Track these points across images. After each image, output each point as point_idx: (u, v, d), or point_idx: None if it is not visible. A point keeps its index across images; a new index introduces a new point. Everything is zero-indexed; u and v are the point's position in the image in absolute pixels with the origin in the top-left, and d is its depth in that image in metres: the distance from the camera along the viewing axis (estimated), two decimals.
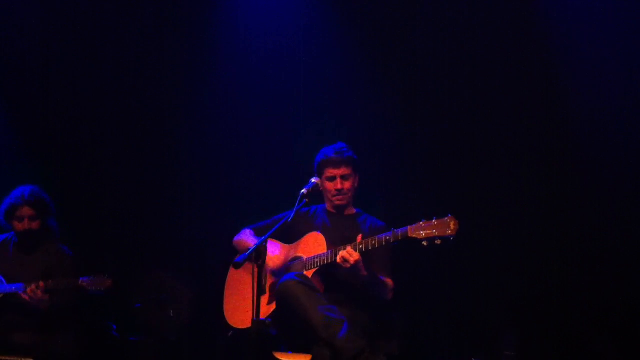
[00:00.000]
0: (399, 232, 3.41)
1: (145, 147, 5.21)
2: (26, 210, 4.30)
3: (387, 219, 3.88)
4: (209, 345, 4.56)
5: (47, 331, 4.19)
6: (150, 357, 4.41)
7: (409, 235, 3.37)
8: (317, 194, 3.72)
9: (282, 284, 3.43)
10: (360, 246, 3.48)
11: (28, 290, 4.10)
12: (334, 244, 3.63)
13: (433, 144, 4.70)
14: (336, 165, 3.84)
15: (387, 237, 3.44)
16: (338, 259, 3.45)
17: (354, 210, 3.98)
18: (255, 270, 3.18)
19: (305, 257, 3.70)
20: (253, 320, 3.10)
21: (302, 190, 3.54)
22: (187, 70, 5.19)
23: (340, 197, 3.86)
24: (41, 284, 4.10)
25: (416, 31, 4.76)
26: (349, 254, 3.43)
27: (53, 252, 4.36)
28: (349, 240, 3.59)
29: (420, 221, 3.36)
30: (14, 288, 4.18)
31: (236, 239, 3.99)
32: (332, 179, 3.85)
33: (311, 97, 4.91)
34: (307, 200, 3.53)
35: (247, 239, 3.92)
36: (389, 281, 3.68)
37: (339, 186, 3.84)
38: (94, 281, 4.11)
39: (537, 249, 4.48)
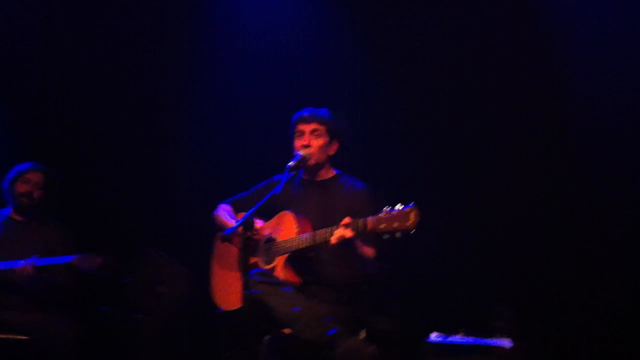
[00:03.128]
0: (360, 223, 3.14)
1: (138, 124, 5.18)
2: (35, 176, 4.29)
3: None
4: (205, 323, 4.56)
5: (45, 311, 4.18)
6: (146, 334, 4.41)
7: (368, 227, 3.12)
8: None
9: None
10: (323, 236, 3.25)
11: (17, 269, 4.09)
12: (309, 217, 3.50)
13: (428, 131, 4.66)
14: (307, 120, 3.61)
15: (347, 230, 3.16)
16: (333, 240, 3.20)
17: (332, 173, 3.71)
18: (241, 244, 3.13)
19: (278, 239, 3.55)
20: (244, 293, 3.08)
21: (290, 163, 3.46)
22: (180, 50, 5.18)
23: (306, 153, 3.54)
24: (30, 263, 4.07)
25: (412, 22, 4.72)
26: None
27: (48, 230, 4.34)
28: (324, 211, 3.47)
29: (381, 212, 3.10)
30: (4, 266, 4.15)
31: (215, 214, 3.84)
32: (301, 134, 3.62)
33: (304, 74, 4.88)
34: (294, 173, 3.48)
35: (223, 216, 3.77)
36: (370, 250, 3.44)
37: (305, 142, 3.58)
38: (85, 259, 4.07)
39: (534, 224, 4.45)
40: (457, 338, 3.49)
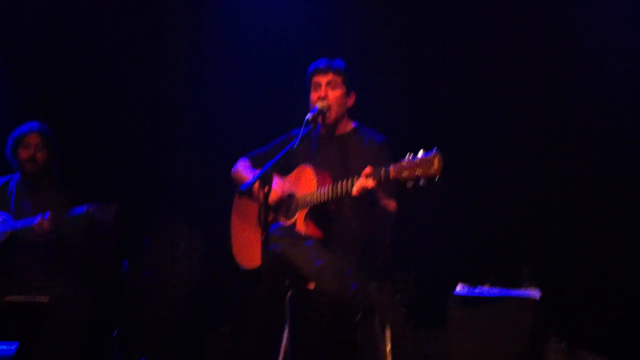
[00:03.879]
0: (382, 171, 3.02)
1: (149, 80, 5.09)
2: (35, 138, 4.23)
3: None
4: (222, 282, 4.54)
5: (62, 273, 4.14)
6: (162, 292, 4.39)
7: (391, 176, 2.99)
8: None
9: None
10: (343, 187, 3.15)
11: (35, 224, 4.04)
12: (328, 171, 3.39)
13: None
14: (322, 72, 3.50)
15: (368, 180, 3.06)
16: (354, 192, 3.10)
17: (351, 126, 3.61)
18: (262, 198, 2.99)
19: (298, 193, 3.45)
20: (263, 251, 2.99)
21: (307, 116, 3.34)
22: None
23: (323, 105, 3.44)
24: (47, 215, 4.01)
25: None
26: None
27: (57, 192, 4.28)
28: (343, 165, 3.38)
29: (403, 159, 2.97)
30: (21, 224, 4.11)
31: (233, 170, 3.76)
32: (318, 86, 3.51)
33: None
34: (311, 126, 3.36)
35: (243, 170, 3.69)
36: (392, 204, 3.35)
37: (322, 94, 3.47)
38: (99, 207, 4.01)
39: (562, 173, 4.38)
40: (484, 289, 3.41)
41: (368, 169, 3.11)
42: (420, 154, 2.96)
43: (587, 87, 4.38)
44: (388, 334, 3.36)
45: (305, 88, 3.60)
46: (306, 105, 3.54)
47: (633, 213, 4.20)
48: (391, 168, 3.01)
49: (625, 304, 4.15)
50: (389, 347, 3.36)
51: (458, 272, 3.94)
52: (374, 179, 3.07)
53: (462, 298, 3.35)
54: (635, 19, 4.24)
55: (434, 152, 2.92)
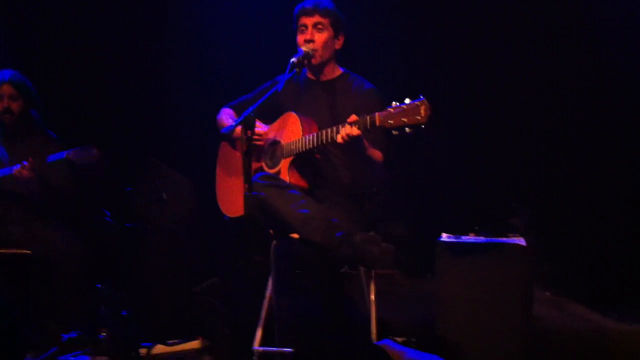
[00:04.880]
0: (367, 118, 2.99)
1: (133, 29, 4.98)
2: (6, 89, 4.13)
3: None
4: (209, 230, 4.50)
5: (47, 224, 4.10)
6: (148, 243, 4.35)
7: (377, 123, 2.96)
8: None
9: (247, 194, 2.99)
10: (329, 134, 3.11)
11: (15, 171, 3.97)
12: (315, 118, 3.35)
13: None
14: (309, 13, 3.40)
15: (354, 128, 3.01)
16: (339, 139, 3.06)
17: (339, 71, 3.53)
18: (245, 141, 2.90)
19: (283, 141, 3.39)
20: (245, 196, 2.93)
21: (292, 59, 3.26)
22: None
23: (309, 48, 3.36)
24: (28, 161, 3.95)
25: None
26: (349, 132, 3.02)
27: (38, 140, 4.21)
28: (330, 112, 3.31)
29: (390, 106, 2.94)
30: (1, 173, 4.05)
31: (217, 118, 3.69)
32: (304, 28, 3.41)
33: None
34: (297, 70, 3.27)
35: (225, 119, 3.61)
36: (378, 153, 3.29)
37: (309, 36, 3.37)
38: (80, 152, 3.93)
39: (546, 118, 4.37)
40: (469, 238, 3.38)
41: (353, 117, 3.05)
42: (407, 101, 2.91)
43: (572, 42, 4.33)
44: (372, 284, 3.36)
45: (292, 29, 3.50)
46: (294, 48, 3.44)
47: (618, 167, 4.20)
48: (377, 115, 2.96)
49: (607, 255, 4.19)
50: (373, 296, 3.35)
51: (445, 222, 3.92)
52: (359, 126, 3.02)
53: (449, 245, 3.32)
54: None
55: (420, 99, 2.88)
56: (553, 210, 4.26)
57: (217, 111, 3.74)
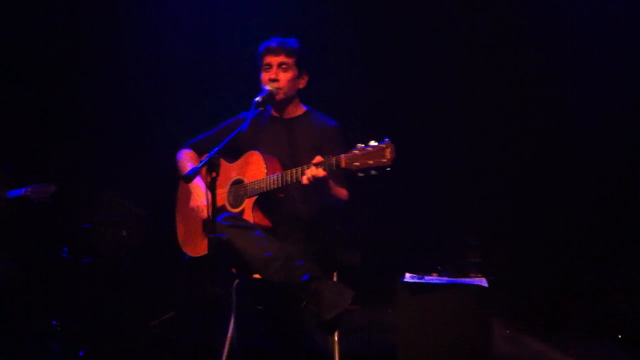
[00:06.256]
0: (333, 160, 2.95)
1: (90, 58, 4.93)
2: None
3: None
4: (164, 265, 4.44)
5: None
6: (104, 278, 4.27)
7: (342, 165, 2.92)
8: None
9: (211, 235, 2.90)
10: (293, 175, 3.09)
11: None
12: (277, 156, 3.32)
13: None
14: (274, 52, 3.38)
15: (319, 169, 2.98)
16: (304, 180, 3.02)
17: (302, 110, 3.50)
18: (209, 183, 2.83)
19: (246, 180, 3.35)
20: (209, 237, 2.88)
21: (256, 98, 3.22)
22: None
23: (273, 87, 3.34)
24: None
25: None
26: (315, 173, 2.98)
27: None
28: (293, 150, 3.30)
29: (355, 148, 2.90)
30: None
31: (177, 159, 3.59)
32: (269, 67, 3.39)
33: None
34: (261, 109, 3.25)
35: (186, 161, 3.52)
36: (343, 192, 3.27)
37: (273, 75, 3.35)
38: (38, 189, 3.88)
39: (498, 158, 4.45)
40: (432, 278, 3.41)
41: (318, 158, 3.03)
42: (373, 143, 2.91)
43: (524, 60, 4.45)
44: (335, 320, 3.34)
45: (256, 66, 3.47)
46: (256, 86, 3.42)
47: (576, 203, 4.29)
48: (342, 158, 2.95)
49: (563, 291, 4.25)
50: (337, 334, 3.34)
51: (406, 256, 3.95)
52: (324, 168, 3.02)
53: (410, 285, 3.34)
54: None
55: (386, 141, 2.88)
56: (514, 251, 4.33)
57: (177, 146, 3.67)
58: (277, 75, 3.38)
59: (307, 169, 3.05)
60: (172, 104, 4.81)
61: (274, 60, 3.39)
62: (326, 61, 4.24)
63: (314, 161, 3.04)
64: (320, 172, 3.01)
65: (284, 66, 3.39)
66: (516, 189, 4.45)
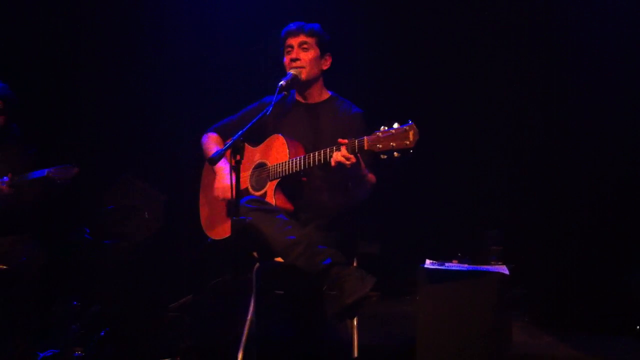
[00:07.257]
0: (356, 142, 2.96)
1: (117, 43, 4.95)
2: None
3: None
4: (184, 248, 4.46)
5: (16, 235, 4.03)
6: (125, 260, 4.30)
7: (365, 147, 2.93)
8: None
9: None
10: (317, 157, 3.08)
11: None
12: (300, 141, 3.33)
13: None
14: (294, 34, 3.40)
15: (343, 148, 2.98)
16: (333, 163, 3.01)
17: (326, 95, 3.51)
18: (233, 166, 2.84)
19: (269, 163, 3.37)
20: (233, 220, 2.89)
21: (280, 82, 3.24)
22: None
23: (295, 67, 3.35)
24: (7, 178, 3.91)
25: None
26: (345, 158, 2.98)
27: (15, 151, 4.15)
28: (316, 135, 3.29)
29: (378, 130, 2.91)
30: None
31: (201, 142, 3.62)
32: (290, 49, 3.41)
33: None
34: (285, 93, 3.26)
35: (210, 144, 3.55)
36: (371, 177, 3.28)
37: (294, 55, 3.37)
38: (60, 171, 3.90)
39: (520, 145, 4.41)
40: (452, 265, 3.40)
41: (341, 140, 3.03)
42: (396, 126, 2.91)
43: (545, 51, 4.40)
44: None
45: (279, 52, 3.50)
46: (282, 72, 3.42)
47: (600, 194, 4.24)
48: (365, 139, 2.95)
49: (584, 284, 4.21)
50: (355, 321, 3.35)
51: (426, 247, 3.94)
52: (348, 150, 3.01)
53: (430, 271, 3.34)
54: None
55: (409, 124, 2.88)
56: (536, 241, 4.30)
57: (202, 128, 3.70)
58: (298, 54, 3.40)
59: (337, 151, 3.03)
60: (195, 89, 4.81)
61: (294, 41, 3.42)
62: (350, 46, 4.21)
63: (340, 142, 3.03)
64: (352, 156, 3.00)
65: (304, 46, 3.41)
66: (540, 180, 4.40)
